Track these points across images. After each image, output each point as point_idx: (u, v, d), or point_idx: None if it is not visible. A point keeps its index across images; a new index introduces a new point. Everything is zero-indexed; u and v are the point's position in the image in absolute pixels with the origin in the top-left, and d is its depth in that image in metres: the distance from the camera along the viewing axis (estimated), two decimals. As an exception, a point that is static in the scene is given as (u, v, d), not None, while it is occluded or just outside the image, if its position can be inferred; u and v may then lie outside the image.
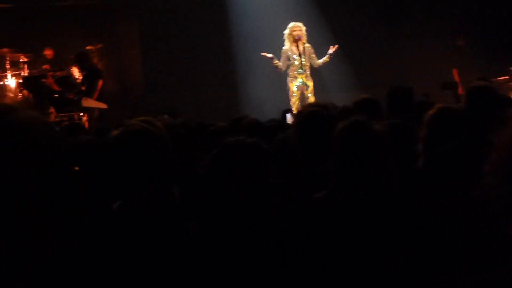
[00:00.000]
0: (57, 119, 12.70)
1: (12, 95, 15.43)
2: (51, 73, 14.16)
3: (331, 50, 13.95)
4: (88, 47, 16.30)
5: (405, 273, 3.42)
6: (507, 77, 15.42)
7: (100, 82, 14.02)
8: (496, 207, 2.06)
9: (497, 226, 2.23)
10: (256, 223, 3.39)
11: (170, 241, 3.20)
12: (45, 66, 15.90)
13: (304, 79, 13.85)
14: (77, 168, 3.44)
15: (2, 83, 15.84)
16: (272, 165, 3.54)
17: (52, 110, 12.78)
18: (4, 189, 1.65)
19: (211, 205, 3.46)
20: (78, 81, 14.49)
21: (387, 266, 3.45)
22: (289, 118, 10.66)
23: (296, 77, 13.91)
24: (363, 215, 3.52)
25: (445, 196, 3.73)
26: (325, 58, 13.97)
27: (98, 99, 13.64)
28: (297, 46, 13.79)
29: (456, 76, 15.85)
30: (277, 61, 13.80)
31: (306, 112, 4.69)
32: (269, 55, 13.85)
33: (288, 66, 13.87)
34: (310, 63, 13.95)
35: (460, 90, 15.16)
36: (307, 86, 13.88)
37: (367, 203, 3.52)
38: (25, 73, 15.44)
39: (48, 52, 16.79)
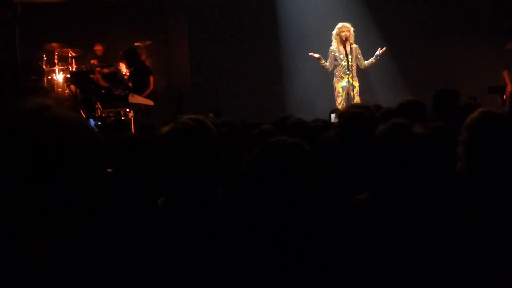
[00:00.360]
0: (103, 115, 12.79)
1: (59, 90, 15.60)
2: (98, 68, 14.27)
3: (379, 51, 13.90)
4: (136, 44, 16.42)
5: (445, 275, 3.40)
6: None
7: (151, 79, 14.10)
8: None
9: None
10: (296, 224, 3.39)
11: (212, 240, 3.21)
12: (93, 61, 16.06)
13: (350, 79, 13.81)
14: (110, 170, 3.44)
15: (50, 77, 16.02)
16: (314, 165, 3.54)
17: (98, 105, 12.86)
18: (36, 184, 1.68)
19: (251, 205, 3.47)
20: (126, 77, 14.59)
21: (427, 268, 3.43)
22: (333, 118, 10.64)
23: (342, 78, 13.89)
24: (403, 218, 3.50)
25: (487, 200, 3.70)
26: (371, 59, 13.94)
27: (147, 96, 13.71)
28: (345, 47, 13.77)
29: (507, 79, 15.70)
30: (324, 61, 13.80)
31: (349, 113, 4.69)
32: (316, 55, 13.84)
33: (334, 66, 13.86)
34: (357, 64, 13.91)
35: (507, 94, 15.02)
36: (353, 87, 13.84)
37: (407, 205, 3.51)
38: (73, 68, 15.60)
39: (98, 48, 16.96)
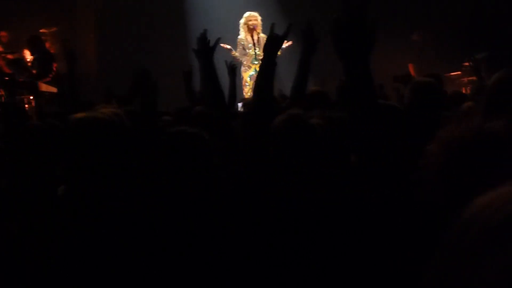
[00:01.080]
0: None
1: (-38, 76, 15.23)
2: (2, 55, 13.98)
3: (285, 45, 13.94)
4: (42, 30, 16.12)
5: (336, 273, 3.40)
6: (459, 72, 15.56)
7: (55, 66, 13.89)
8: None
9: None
10: (197, 216, 3.36)
11: (111, 231, 3.18)
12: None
13: (258, 69, 13.82)
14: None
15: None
16: (214, 156, 3.52)
17: (2, 92, 12.59)
18: None
19: (150, 195, 3.43)
20: (29, 64, 14.34)
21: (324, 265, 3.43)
22: (240, 108, 10.66)
23: (250, 67, 13.92)
24: (295, 208, 3.50)
25: (378, 195, 3.76)
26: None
27: (50, 83, 13.50)
28: (252, 36, 13.78)
29: (411, 71, 15.97)
30: (234, 52, 13.79)
31: (250, 103, 4.70)
32: (228, 46, 13.79)
33: (243, 56, 13.86)
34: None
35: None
36: (261, 76, 13.85)
37: (301, 196, 3.52)
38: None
39: (3, 34, 16.58)
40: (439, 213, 2.02)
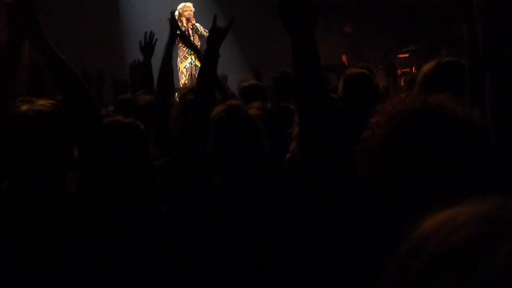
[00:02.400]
0: None
1: None
2: None
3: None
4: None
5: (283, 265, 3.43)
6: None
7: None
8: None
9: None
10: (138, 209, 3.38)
11: (55, 228, 3.19)
12: None
13: (194, 59, 13.83)
14: None
15: None
16: (149, 146, 3.54)
17: None
18: None
19: (87, 188, 3.42)
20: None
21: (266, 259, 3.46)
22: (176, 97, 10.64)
23: (186, 58, 13.90)
24: (236, 202, 3.54)
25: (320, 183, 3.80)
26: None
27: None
28: (187, 26, 13.77)
29: (345, 62, 16.11)
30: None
31: (189, 100, 4.73)
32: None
33: (177, 47, 13.84)
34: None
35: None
36: (197, 67, 13.87)
37: (242, 189, 3.56)
38: None
39: None
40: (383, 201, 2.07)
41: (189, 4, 13.94)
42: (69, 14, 17.17)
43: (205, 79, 4.62)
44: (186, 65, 13.88)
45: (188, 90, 5.78)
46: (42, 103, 3.29)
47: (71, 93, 3.37)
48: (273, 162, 3.76)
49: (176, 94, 10.29)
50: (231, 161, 3.53)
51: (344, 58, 16.39)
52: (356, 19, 17.29)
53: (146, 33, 6.68)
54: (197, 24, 13.94)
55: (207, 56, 4.72)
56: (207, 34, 12.40)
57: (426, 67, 3.62)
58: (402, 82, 12.25)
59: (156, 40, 6.92)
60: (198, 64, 13.80)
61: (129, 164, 3.34)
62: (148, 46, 6.91)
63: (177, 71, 13.92)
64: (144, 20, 16.57)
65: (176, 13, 13.81)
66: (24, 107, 3.26)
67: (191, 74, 13.81)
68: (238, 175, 3.55)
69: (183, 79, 13.79)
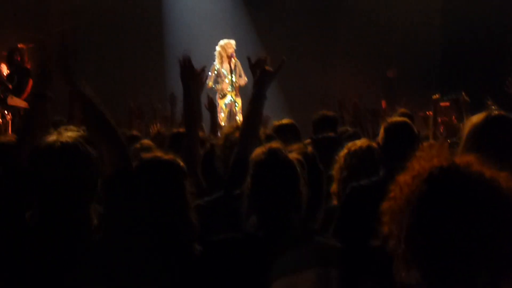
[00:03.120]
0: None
1: None
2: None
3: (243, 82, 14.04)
4: (19, 45, 16.02)
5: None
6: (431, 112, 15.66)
7: (31, 82, 13.82)
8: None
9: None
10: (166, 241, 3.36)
11: (75, 258, 3.19)
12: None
13: (233, 96, 13.91)
14: None
15: None
16: (187, 183, 3.52)
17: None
18: None
19: (122, 221, 3.42)
20: (5, 78, 14.26)
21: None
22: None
23: (225, 95, 13.97)
24: (269, 245, 3.53)
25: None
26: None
27: (26, 100, 13.43)
28: (229, 64, 13.85)
29: (384, 108, 16.06)
30: (210, 84, 13.87)
31: (236, 138, 4.72)
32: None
33: (217, 83, 13.91)
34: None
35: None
36: (236, 104, 13.94)
37: (278, 231, 3.55)
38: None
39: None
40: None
41: (232, 42, 14.04)
42: (113, 47, 17.38)
43: (251, 121, 4.61)
44: (225, 101, 13.95)
45: (234, 129, 5.77)
46: (70, 134, 3.31)
47: (99, 135, 3.39)
48: (310, 206, 3.74)
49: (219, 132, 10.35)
50: (268, 204, 3.53)
51: (383, 103, 16.36)
52: (398, 65, 17.30)
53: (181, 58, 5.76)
54: (238, 63, 14.02)
55: (255, 98, 4.69)
56: (244, 80, 12.48)
57: (475, 120, 3.56)
58: (441, 130, 12.19)
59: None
60: (238, 101, 13.88)
61: (165, 201, 3.33)
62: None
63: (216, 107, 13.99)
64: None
65: (218, 48, 13.92)
66: (51, 138, 3.29)
67: (230, 111, 13.87)
68: (273, 219, 3.54)
69: (222, 116, 13.83)
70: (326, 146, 5.72)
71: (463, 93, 8.33)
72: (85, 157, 3.27)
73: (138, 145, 6.50)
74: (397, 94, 16.46)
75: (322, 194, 4.24)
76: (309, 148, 4.48)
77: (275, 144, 3.71)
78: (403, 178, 2.08)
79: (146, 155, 3.50)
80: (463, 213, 1.92)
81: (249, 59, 5.18)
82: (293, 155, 3.75)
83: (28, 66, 14.85)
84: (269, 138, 4.85)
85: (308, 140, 6.12)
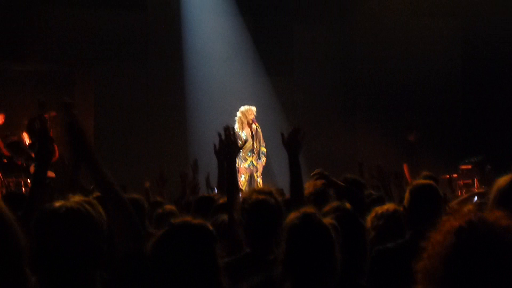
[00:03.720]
0: (4, 184, 12.59)
1: (-40, 157, 15.23)
2: (1, 137, 14.03)
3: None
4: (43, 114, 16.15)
5: None
6: (455, 175, 15.67)
7: (56, 149, 13.90)
8: None
9: None
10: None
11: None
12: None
13: (254, 161, 13.97)
14: None
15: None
16: (218, 247, 3.53)
17: (-1, 175, 12.66)
18: None
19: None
20: (28, 147, 14.37)
21: None
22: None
23: (246, 159, 14.03)
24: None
25: None
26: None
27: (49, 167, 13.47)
28: (250, 129, 13.95)
29: (406, 171, 16.03)
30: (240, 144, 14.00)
31: (252, 200, 4.74)
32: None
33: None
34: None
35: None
36: (257, 168, 13.99)
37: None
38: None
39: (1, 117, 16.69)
40: None
41: (253, 108, 14.16)
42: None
43: (297, 187, 4.94)
44: (245, 166, 14.02)
45: (252, 193, 5.80)
46: (76, 200, 3.32)
47: (116, 216, 3.43)
48: (345, 271, 3.74)
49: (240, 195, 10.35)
50: (302, 269, 3.53)
51: (405, 167, 16.34)
52: (420, 128, 17.32)
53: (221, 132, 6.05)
54: (259, 129, 14.14)
55: (292, 167, 5.10)
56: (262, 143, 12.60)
57: (501, 182, 3.59)
58: (463, 193, 12.17)
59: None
60: (258, 166, 13.95)
61: (195, 266, 3.33)
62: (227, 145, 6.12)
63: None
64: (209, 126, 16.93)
65: (239, 114, 14.04)
66: (57, 204, 3.31)
67: (251, 176, 13.93)
68: (307, 284, 3.54)
69: (242, 180, 13.87)
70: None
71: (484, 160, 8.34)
72: (90, 222, 3.27)
73: (160, 210, 6.55)
74: (419, 157, 16.44)
75: (367, 248, 4.26)
76: (347, 204, 4.52)
77: (309, 209, 3.73)
78: (435, 236, 2.10)
79: (176, 220, 3.51)
80: (491, 264, 1.93)
81: (282, 136, 5.48)
82: (327, 220, 3.77)
83: (51, 134, 14.94)
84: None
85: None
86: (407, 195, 4.83)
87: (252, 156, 13.98)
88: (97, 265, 3.31)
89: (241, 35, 18.06)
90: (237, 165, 13.71)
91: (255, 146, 13.92)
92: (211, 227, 3.50)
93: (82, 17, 17.11)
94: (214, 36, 18.01)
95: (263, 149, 14.21)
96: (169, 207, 6.68)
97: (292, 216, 3.65)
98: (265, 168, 15.00)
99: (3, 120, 16.65)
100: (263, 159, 14.19)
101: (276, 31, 18.36)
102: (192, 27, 17.96)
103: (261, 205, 4.66)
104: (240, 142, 13.61)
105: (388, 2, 18.01)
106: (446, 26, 18.25)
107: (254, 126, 13.98)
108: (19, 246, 2.82)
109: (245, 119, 14.05)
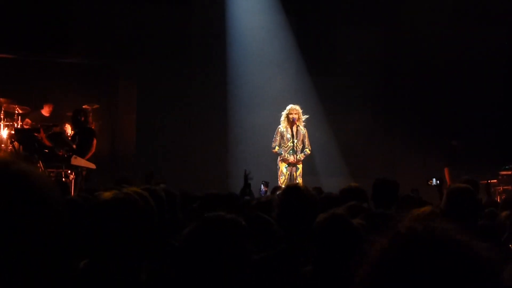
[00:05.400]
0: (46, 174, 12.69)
1: (3, 145, 15.40)
2: (44, 127, 14.14)
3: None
4: (84, 106, 16.30)
5: None
6: (495, 180, 15.54)
7: (95, 142, 14.02)
8: None
9: None
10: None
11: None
12: (27, 120, 15.88)
13: (294, 161, 13.98)
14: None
15: (-6, 132, 15.79)
16: (250, 242, 3.53)
17: (40, 164, 12.75)
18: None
19: (185, 281, 3.43)
20: (70, 138, 14.49)
21: None
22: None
23: (287, 159, 14.03)
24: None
25: None
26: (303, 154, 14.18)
27: (89, 159, 13.62)
28: (291, 128, 13.96)
29: (447, 175, 15.95)
30: (277, 148, 14.03)
31: (289, 187, 4.77)
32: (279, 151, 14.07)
33: (280, 146, 14.02)
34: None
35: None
36: (297, 168, 13.99)
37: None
38: (18, 125, 15.45)
39: (47, 107, 16.85)
40: None
41: (296, 107, 14.14)
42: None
43: None
44: (286, 165, 14.01)
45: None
46: (127, 191, 3.38)
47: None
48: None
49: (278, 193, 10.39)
50: (333, 270, 3.53)
51: (446, 171, 16.25)
52: (462, 134, 17.25)
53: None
54: (304, 130, 14.14)
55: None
56: (306, 146, 12.71)
57: None
58: (501, 199, 12.06)
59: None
60: (298, 165, 13.96)
61: (226, 260, 3.33)
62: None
63: (277, 169, 14.11)
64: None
65: (284, 112, 14.07)
66: (109, 193, 3.37)
67: (290, 174, 13.93)
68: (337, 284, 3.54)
69: (282, 179, 13.89)
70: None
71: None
72: (140, 211, 3.33)
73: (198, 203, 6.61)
74: (461, 162, 16.35)
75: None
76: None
77: (338, 211, 3.73)
78: (380, 238, 1.99)
79: (210, 214, 3.52)
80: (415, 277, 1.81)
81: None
82: (357, 221, 3.76)
83: (93, 127, 15.10)
84: (333, 201, 4.90)
85: None
86: (444, 197, 4.80)
87: (293, 156, 13.97)
88: (144, 254, 3.36)
89: (285, 34, 18.06)
90: (277, 163, 13.85)
91: (295, 145, 13.91)
92: (243, 222, 3.50)
93: (127, 11, 17.22)
94: (258, 34, 18.04)
95: (307, 151, 14.19)
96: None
97: (321, 216, 3.65)
98: (309, 169, 15.03)
99: (50, 111, 16.84)
100: (301, 156, 14.12)
101: (320, 31, 18.34)
102: (236, 25, 18.02)
103: (296, 190, 4.68)
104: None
105: (432, 6, 17.85)
106: (492, 32, 18.04)
107: (296, 125, 13.97)
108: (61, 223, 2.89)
109: (286, 118, 14.05)
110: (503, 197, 13.33)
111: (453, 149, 16.92)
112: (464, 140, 17.07)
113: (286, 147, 13.98)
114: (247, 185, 8.58)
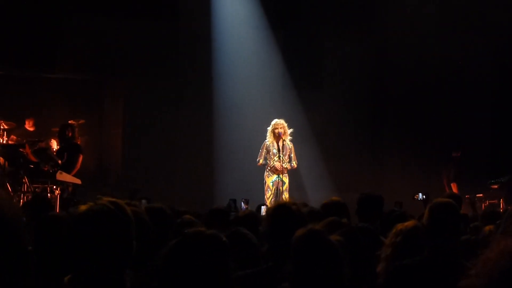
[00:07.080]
0: (30, 190, 12.68)
1: (-12, 161, 15.34)
2: (29, 143, 14.11)
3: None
4: (70, 121, 16.27)
5: None
6: (481, 194, 15.60)
7: (81, 158, 14.02)
8: None
9: None
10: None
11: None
12: (12, 136, 15.82)
13: (280, 175, 13.96)
14: (30, 248, 3.44)
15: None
16: (230, 258, 3.52)
17: (26, 180, 12.73)
18: None
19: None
20: (55, 154, 14.46)
21: None
22: (263, 211, 10.70)
23: (273, 173, 14.02)
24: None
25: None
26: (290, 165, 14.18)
27: (75, 175, 13.61)
28: (277, 143, 13.95)
29: (455, 190, 15.89)
30: (261, 161, 14.05)
31: (275, 205, 4.77)
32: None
33: (266, 160, 14.02)
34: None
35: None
36: (283, 183, 13.99)
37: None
38: (4, 140, 15.40)
39: (29, 122, 16.80)
40: None
41: (281, 122, 14.14)
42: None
43: None
44: (272, 179, 14.00)
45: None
46: (103, 202, 3.37)
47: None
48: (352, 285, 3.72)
49: (263, 207, 10.40)
50: (309, 286, 3.52)
51: (454, 186, 16.33)
52: (449, 149, 17.34)
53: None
54: (290, 144, 14.15)
55: None
56: (293, 159, 12.70)
57: None
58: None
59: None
60: (285, 180, 13.95)
61: (206, 276, 3.32)
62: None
63: (263, 184, 14.10)
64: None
65: (269, 128, 14.08)
66: (88, 205, 3.36)
67: (277, 189, 13.92)
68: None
69: (268, 193, 13.90)
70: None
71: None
72: (120, 222, 3.32)
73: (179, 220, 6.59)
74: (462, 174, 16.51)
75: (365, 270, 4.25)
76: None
77: (316, 227, 3.72)
78: (487, 255, 2.06)
79: (191, 230, 3.51)
80: None
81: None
82: (334, 237, 3.75)
83: (79, 142, 15.08)
84: (315, 215, 4.89)
85: None
86: (426, 212, 4.78)
87: (279, 161, 13.97)
88: (127, 263, 3.35)
89: (271, 49, 18.08)
90: (264, 178, 13.85)
91: (282, 159, 13.90)
92: (224, 238, 3.49)
93: (114, 27, 17.23)
94: (245, 48, 18.06)
95: (294, 163, 14.17)
96: (188, 216, 6.71)
97: (299, 232, 3.64)
98: (295, 183, 15.03)
99: (32, 125, 16.79)
100: (287, 165, 14.10)
101: (306, 46, 18.38)
102: (222, 39, 18.02)
103: (282, 209, 4.67)
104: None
105: (418, 20, 17.90)
106: (476, 43, 18.09)
107: (282, 139, 13.97)
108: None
109: (272, 132, 14.05)
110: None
111: (455, 161, 16.93)
112: (461, 147, 17.18)
113: (272, 162, 13.98)
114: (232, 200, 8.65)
